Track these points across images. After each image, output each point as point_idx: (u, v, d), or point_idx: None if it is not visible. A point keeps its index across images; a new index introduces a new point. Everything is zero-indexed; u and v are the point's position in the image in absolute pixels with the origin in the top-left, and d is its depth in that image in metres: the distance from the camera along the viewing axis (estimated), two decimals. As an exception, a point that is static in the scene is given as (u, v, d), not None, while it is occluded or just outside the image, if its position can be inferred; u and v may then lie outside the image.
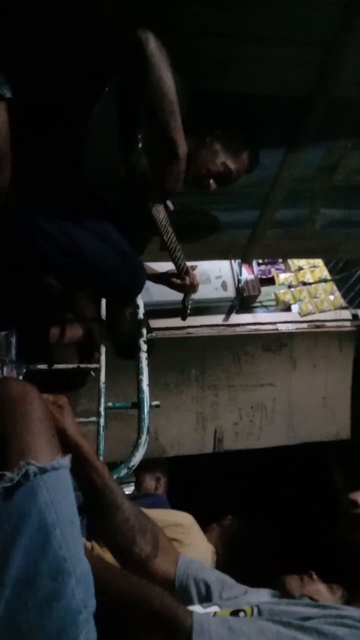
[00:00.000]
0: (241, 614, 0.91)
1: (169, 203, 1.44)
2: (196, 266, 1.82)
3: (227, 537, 1.96)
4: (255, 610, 0.92)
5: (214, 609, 0.96)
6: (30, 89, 1.21)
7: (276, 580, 1.36)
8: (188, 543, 1.73)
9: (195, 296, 1.90)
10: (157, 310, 2.83)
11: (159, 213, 1.44)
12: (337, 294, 3.50)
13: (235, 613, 0.92)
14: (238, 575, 1.12)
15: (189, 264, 1.76)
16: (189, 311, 1.91)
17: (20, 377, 1.63)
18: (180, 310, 1.93)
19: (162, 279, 1.85)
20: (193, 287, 1.82)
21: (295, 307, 3.42)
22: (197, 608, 0.96)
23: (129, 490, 3.09)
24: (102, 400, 1.65)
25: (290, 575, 1.40)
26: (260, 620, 0.86)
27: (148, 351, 1.77)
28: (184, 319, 1.96)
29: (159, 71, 1.14)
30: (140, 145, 1.30)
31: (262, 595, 1.07)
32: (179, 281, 1.79)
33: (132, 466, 1.51)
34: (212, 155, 1.47)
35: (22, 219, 1.29)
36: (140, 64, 1.13)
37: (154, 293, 2.75)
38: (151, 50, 1.12)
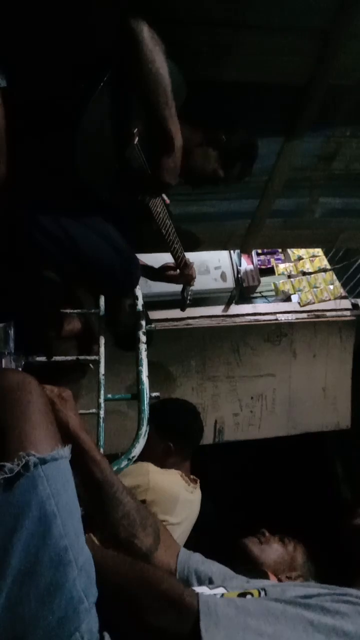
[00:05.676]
0: (248, 596, 0.92)
1: (164, 196, 1.43)
2: (193, 262, 1.82)
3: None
4: (262, 593, 0.93)
5: (220, 590, 0.96)
6: (24, 80, 1.19)
7: (235, 546, 1.37)
8: (152, 499, 1.71)
9: (194, 287, 1.90)
10: (156, 302, 2.83)
11: (157, 206, 1.43)
12: (337, 283, 3.49)
13: (242, 595, 0.92)
14: None
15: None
16: (188, 302, 1.91)
17: (20, 369, 1.62)
18: (179, 302, 1.93)
19: (158, 275, 1.84)
20: (188, 280, 1.82)
21: (295, 297, 3.41)
22: (204, 589, 0.96)
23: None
24: (102, 392, 1.65)
25: (248, 538, 1.40)
26: (265, 600, 0.87)
27: (147, 343, 1.77)
28: (183, 309, 1.95)
29: (153, 62, 1.11)
30: (136, 139, 1.28)
31: (264, 584, 1.08)
32: (175, 272, 1.78)
33: (133, 457, 1.51)
34: (206, 158, 1.45)
35: (18, 212, 1.28)
36: (133, 55, 1.10)
37: (152, 285, 2.73)
38: (144, 40, 1.09)
